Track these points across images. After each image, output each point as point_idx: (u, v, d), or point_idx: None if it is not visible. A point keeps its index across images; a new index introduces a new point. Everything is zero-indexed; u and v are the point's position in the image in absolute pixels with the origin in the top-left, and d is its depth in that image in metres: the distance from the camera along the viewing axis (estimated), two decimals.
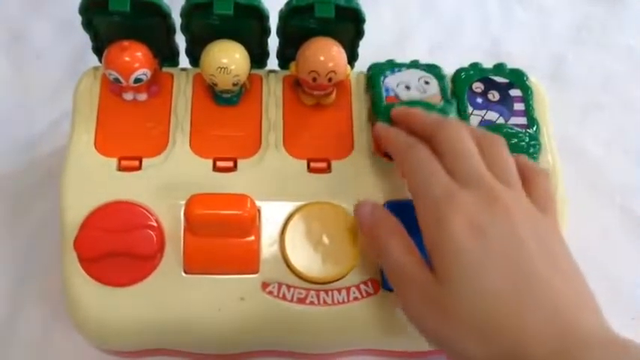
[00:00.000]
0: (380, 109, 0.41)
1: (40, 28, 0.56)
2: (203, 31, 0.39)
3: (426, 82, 0.42)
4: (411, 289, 0.32)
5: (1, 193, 0.48)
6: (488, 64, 0.45)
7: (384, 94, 0.42)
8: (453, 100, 0.42)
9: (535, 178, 0.36)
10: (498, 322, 0.30)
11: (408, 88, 0.42)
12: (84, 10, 0.38)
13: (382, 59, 0.45)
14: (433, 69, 0.43)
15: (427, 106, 0.41)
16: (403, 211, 0.35)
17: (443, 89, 0.42)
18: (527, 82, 0.43)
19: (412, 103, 0.41)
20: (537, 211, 0.34)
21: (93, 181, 0.39)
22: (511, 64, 0.45)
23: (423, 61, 0.44)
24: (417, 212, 0.33)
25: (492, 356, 0.29)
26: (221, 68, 0.38)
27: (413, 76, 0.43)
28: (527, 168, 0.36)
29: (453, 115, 0.42)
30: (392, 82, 0.42)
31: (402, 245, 0.34)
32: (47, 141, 0.51)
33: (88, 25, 0.39)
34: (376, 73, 0.43)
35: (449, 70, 0.44)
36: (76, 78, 0.46)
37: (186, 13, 0.39)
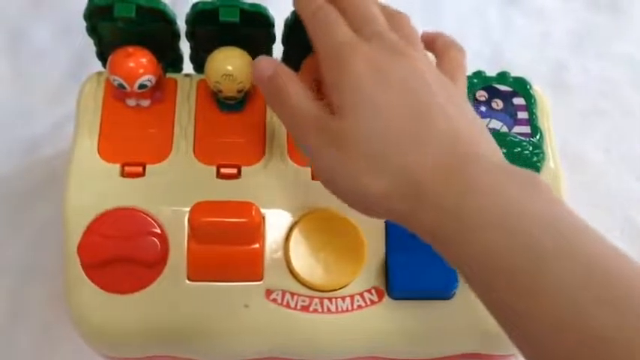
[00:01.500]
0: None
1: (41, 30, 0.56)
2: (208, 38, 0.39)
3: None
4: (309, 129, 0.32)
5: (3, 194, 0.48)
6: (489, 71, 0.45)
7: None
8: None
9: (449, 49, 0.35)
10: (394, 148, 0.30)
11: None
12: (88, 16, 0.38)
13: None
14: None
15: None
16: None
17: None
18: (530, 91, 0.44)
19: None
20: (443, 76, 0.33)
21: (96, 187, 0.39)
22: (511, 72, 0.45)
23: None
24: (320, 63, 0.32)
25: (387, 184, 0.29)
26: (226, 75, 0.38)
27: None
28: (442, 40, 0.36)
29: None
30: None
31: (300, 89, 0.33)
32: (49, 143, 0.51)
33: (92, 30, 0.39)
34: None
35: None
36: (77, 80, 0.46)
37: (191, 20, 0.38)
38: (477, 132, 0.32)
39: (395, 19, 0.34)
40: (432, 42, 0.36)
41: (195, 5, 0.38)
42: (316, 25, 0.34)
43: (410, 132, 0.30)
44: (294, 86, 0.33)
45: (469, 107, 0.33)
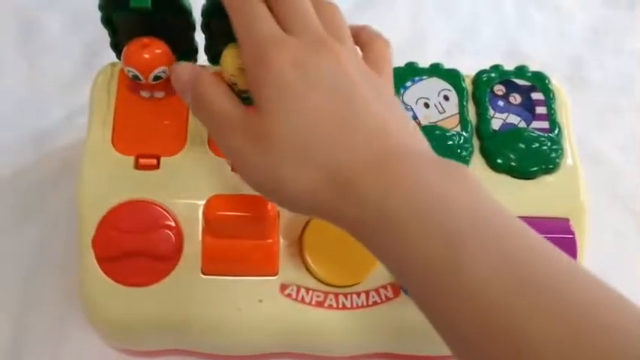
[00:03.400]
0: None
1: (54, 20, 0.56)
2: (223, 31, 0.39)
3: (446, 98, 0.42)
4: (231, 130, 0.31)
5: (15, 185, 0.48)
6: (505, 65, 0.44)
7: None
8: (470, 124, 0.42)
9: (374, 42, 0.35)
10: (318, 143, 0.29)
11: (427, 105, 0.42)
12: (104, 6, 0.37)
13: (400, 58, 0.44)
14: (454, 77, 0.43)
15: (442, 132, 0.41)
16: None
17: (461, 107, 0.42)
18: (549, 86, 0.43)
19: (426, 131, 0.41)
20: (371, 68, 0.33)
21: (110, 180, 0.38)
22: (528, 66, 0.45)
23: (441, 61, 0.44)
24: (243, 58, 0.32)
25: (312, 181, 0.29)
26: (241, 69, 0.37)
27: (433, 87, 0.42)
28: (366, 32, 0.35)
29: (467, 145, 0.41)
30: (411, 96, 0.42)
31: (221, 93, 0.32)
32: (61, 134, 0.51)
33: (107, 21, 0.38)
34: (396, 81, 0.42)
35: (468, 71, 0.44)
36: (90, 70, 0.46)
37: (207, 12, 0.38)
38: (403, 125, 0.31)
39: (324, 10, 0.33)
40: (356, 35, 0.35)
41: None
42: (241, 18, 0.32)
43: (333, 128, 0.29)
44: (215, 90, 0.32)
45: (395, 100, 0.33)
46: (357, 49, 0.34)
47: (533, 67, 0.45)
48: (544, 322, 0.24)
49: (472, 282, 0.25)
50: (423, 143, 0.31)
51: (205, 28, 0.39)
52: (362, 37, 0.35)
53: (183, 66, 0.34)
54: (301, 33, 0.31)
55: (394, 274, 0.29)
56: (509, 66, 0.45)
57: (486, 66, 0.44)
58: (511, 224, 0.28)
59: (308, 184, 0.29)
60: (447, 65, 0.44)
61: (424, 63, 0.44)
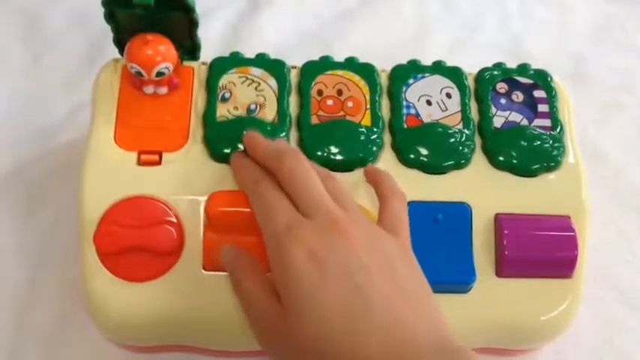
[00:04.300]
0: (399, 129, 0.41)
1: (57, 17, 0.56)
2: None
3: (448, 95, 0.42)
4: (262, 325, 0.33)
5: (18, 181, 0.48)
6: (507, 62, 0.45)
7: (404, 111, 0.41)
8: (472, 122, 0.42)
9: (390, 200, 0.36)
10: (336, 346, 0.30)
11: (429, 103, 0.42)
12: (107, 3, 0.38)
13: (402, 55, 0.45)
14: (456, 74, 0.43)
15: (444, 129, 0.41)
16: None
17: (464, 105, 0.42)
18: (551, 83, 0.43)
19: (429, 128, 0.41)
20: (384, 232, 0.34)
21: (113, 175, 0.38)
22: (530, 63, 0.45)
23: (443, 58, 0.44)
24: (266, 248, 0.34)
25: None
26: None
27: (435, 85, 0.42)
28: (384, 187, 0.37)
29: (469, 143, 0.41)
30: (413, 93, 0.42)
31: (256, 280, 0.34)
32: (64, 130, 0.51)
33: (110, 17, 0.38)
34: (398, 78, 0.42)
35: (470, 68, 0.44)
36: (92, 67, 0.46)
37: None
38: (417, 312, 0.32)
39: (328, 183, 0.35)
40: (375, 183, 0.37)
41: None
42: (257, 203, 0.35)
43: (349, 324, 0.30)
44: (248, 281, 0.34)
45: (412, 274, 0.34)
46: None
47: (535, 64, 0.45)
48: None
49: None
50: (436, 329, 0.32)
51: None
52: (379, 191, 0.37)
53: (228, 248, 0.36)
54: (313, 213, 0.33)
55: None
56: (511, 63, 0.45)
57: (488, 63, 0.44)
58: None
59: None
60: (449, 63, 0.44)
61: (426, 60, 0.44)
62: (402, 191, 0.37)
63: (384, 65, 0.44)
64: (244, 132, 0.38)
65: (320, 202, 0.34)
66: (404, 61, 0.44)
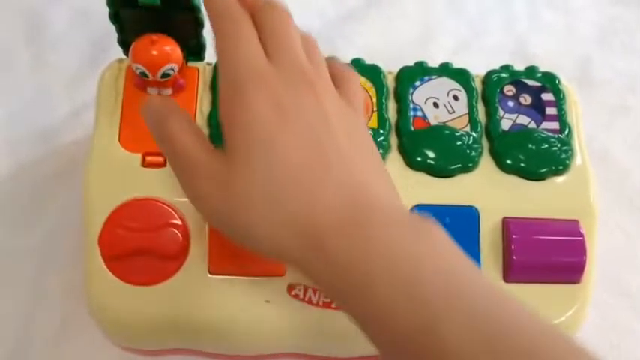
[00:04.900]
0: (406, 132, 0.40)
1: (61, 16, 0.55)
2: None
3: (455, 98, 0.42)
4: (198, 175, 0.30)
5: (21, 182, 0.48)
6: (513, 64, 0.44)
7: (410, 113, 0.41)
8: (479, 125, 0.41)
9: (347, 78, 0.34)
10: (288, 197, 0.28)
11: (436, 105, 0.41)
12: (112, 3, 0.37)
13: (408, 56, 0.44)
14: (463, 76, 0.43)
15: (452, 132, 0.40)
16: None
17: (471, 107, 0.42)
18: (559, 86, 0.43)
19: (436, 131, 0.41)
20: (346, 104, 0.32)
21: (117, 177, 0.38)
22: (536, 65, 0.44)
23: (449, 59, 0.44)
24: (219, 84, 0.31)
25: (281, 234, 0.28)
26: None
27: (442, 87, 0.42)
28: (339, 69, 0.35)
29: (477, 146, 0.41)
30: (420, 96, 0.42)
31: (190, 133, 0.31)
32: (67, 130, 0.50)
33: (115, 17, 0.38)
34: (405, 80, 0.42)
35: (476, 70, 0.44)
36: (95, 67, 0.45)
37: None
38: (377, 176, 0.31)
39: (306, 41, 0.33)
40: (330, 66, 0.35)
41: None
42: (224, 37, 0.31)
43: (305, 177, 0.29)
44: (183, 130, 0.31)
45: (370, 144, 0.33)
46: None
47: (541, 67, 0.44)
48: None
49: (442, 343, 0.25)
50: (393, 195, 0.31)
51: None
52: (333, 71, 0.34)
53: (154, 99, 0.33)
54: (284, 63, 0.31)
55: (364, 332, 0.28)
56: (517, 65, 0.44)
57: (494, 65, 0.44)
58: (481, 283, 0.28)
59: (276, 237, 0.28)
60: (455, 64, 0.44)
61: (431, 62, 0.44)
62: (356, 74, 0.35)
63: (388, 66, 0.44)
64: None
65: (294, 53, 0.31)
66: (408, 63, 0.44)
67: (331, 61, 0.35)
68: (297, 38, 0.32)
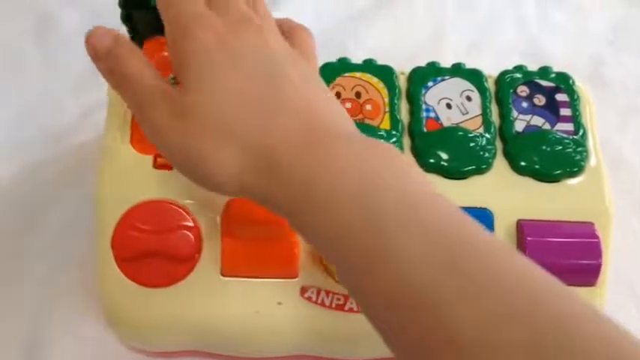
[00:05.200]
0: (418, 133, 0.40)
1: (71, 16, 0.55)
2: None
3: (468, 99, 0.41)
4: (153, 103, 0.29)
5: (31, 182, 0.48)
6: (525, 64, 0.44)
7: (423, 114, 0.41)
8: (493, 126, 0.41)
9: (297, 30, 0.34)
10: (244, 122, 0.28)
11: (449, 106, 0.41)
12: (124, 4, 0.37)
13: (418, 57, 0.44)
14: (476, 77, 0.42)
15: (465, 133, 0.40)
16: None
17: (484, 108, 0.41)
18: (573, 87, 0.42)
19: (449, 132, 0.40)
20: (297, 53, 0.32)
21: (129, 179, 0.38)
22: (550, 66, 0.44)
23: (460, 59, 0.43)
24: (167, 36, 0.30)
25: (238, 160, 0.28)
26: None
27: (455, 88, 0.42)
28: (287, 24, 0.34)
29: (490, 147, 0.40)
30: (433, 96, 0.41)
31: (143, 62, 0.30)
32: (77, 131, 0.50)
33: (126, 19, 0.38)
34: (418, 81, 0.42)
35: (487, 70, 0.43)
36: None
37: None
38: (329, 105, 0.30)
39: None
40: (279, 25, 0.34)
41: None
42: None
43: (258, 107, 0.28)
44: (136, 58, 0.30)
45: (319, 80, 0.32)
46: None
47: (553, 67, 0.44)
48: (472, 304, 0.24)
49: (400, 264, 0.25)
50: (350, 124, 0.31)
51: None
52: (284, 27, 0.34)
53: (99, 29, 0.31)
54: (226, 11, 0.30)
55: (324, 256, 0.28)
56: (528, 65, 0.44)
57: (505, 65, 0.44)
58: (439, 204, 0.27)
59: (232, 166, 0.28)
60: (467, 65, 0.43)
61: (443, 62, 0.43)
62: (308, 29, 0.35)
63: (400, 67, 0.43)
64: None
65: (238, 4, 0.31)
66: (419, 64, 0.43)
67: (280, 19, 0.34)
68: None
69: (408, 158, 0.28)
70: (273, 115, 0.28)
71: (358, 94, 0.41)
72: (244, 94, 0.29)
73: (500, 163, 0.40)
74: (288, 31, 0.34)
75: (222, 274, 0.37)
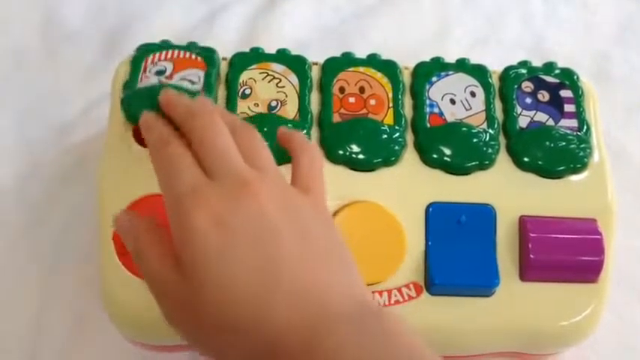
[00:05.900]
0: (422, 128, 0.40)
1: (73, 11, 0.55)
2: None
3: (472, 94, 0.41)
4: (165, 297, 0.31)
5: (34, 178, 0.48)
6: (531, 60, 0.44)
7: (427, 110, 0.41)
8: (496, 122, 0.41)
9: (299, 157, 0.34)
10: (246, 316, 0.28)
11: (453, 102, 0.41)
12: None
13: (422, 52, 0.44)
14: (480, 72, 0.42)
15: (468, 129, 0.40)
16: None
17: (488, 104, 0.41)
18: (578, 83, 0.42)
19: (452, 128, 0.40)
20: (297, 192, 0.32)
21: (132, 173, 0.38)
22: (554, 61, 0.44)
23: (465, 55, 0.43)
24: (166, 212, 0.31)
25: (238, 352, 0.29)
26: None
27: (459, 83, 0.42)
28: (293, 144, 0.34)
29: (494, 143, 0.40)
30: (437, 92, 0.41)
31: (157, 253, 0.31)
32: (81, 125, 0.50)
33: None
34: (422, 76, 0.42)
35: (492, 66, 0.43)
36: (109, 61, 0.45)
37: None
38: (330, 275, 0.30)
39: (243, 137, 0.33)
40: (287, 141, 0.35)
41: None
42: (160, 164, 0.32)
43: (257, 292, 0.28)
44: (151, 249, 0.31)
45: (326, 233, 0.32)
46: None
47: (558, 63, 0.44)
48: None
49: None
50: (354, 288, 0.31)
51: None
52: (292, 146, 0.34)
53: (123, 215, 0.33)
54: (222, 176, 0.31)
55: None
56: (534, 61, 0.44)
57: (510, 61, 0.44)
58: None
59: (237, 352, 0.29)
60: (471, 60, 0.43)
61: (447, 57, 0.43)
62: (314, 145, 0.35)
63: (404, 63, 0.43)
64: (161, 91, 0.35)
65: (229, 162, 0.31)
66: (424, 59, 0.43)
67: (283, 134, 0.35)
68: (229, 144, 0.32)
69: (396, 321, 0.29)
70: (267, 302, 0.28)
71: (362, 89, 0.41)
72: (239, 286, 0.28)
73: (503, 159, 0.40)
74: (295, 151, 0.34)
75: None
